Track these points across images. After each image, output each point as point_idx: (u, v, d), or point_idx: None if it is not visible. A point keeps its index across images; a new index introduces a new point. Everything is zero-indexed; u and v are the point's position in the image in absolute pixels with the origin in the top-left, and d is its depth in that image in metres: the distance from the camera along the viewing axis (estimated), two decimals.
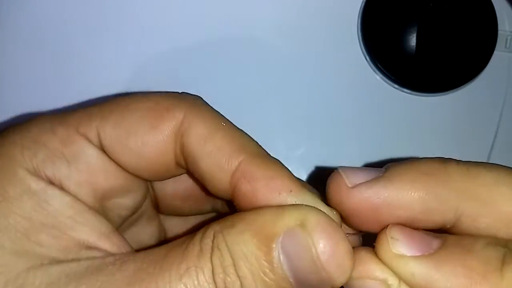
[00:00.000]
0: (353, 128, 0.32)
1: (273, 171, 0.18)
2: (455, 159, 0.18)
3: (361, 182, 0.18)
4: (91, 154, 0.19)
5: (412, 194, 0.17)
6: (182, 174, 0.21)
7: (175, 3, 0.32)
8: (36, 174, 0.17)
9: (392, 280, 0.17)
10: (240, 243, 0.16)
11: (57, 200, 0.17)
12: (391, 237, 0.17)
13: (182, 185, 0.23)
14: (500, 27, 0.31)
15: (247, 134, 0.20)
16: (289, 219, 0.16)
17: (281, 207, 0.17)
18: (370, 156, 0.32)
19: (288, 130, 0.31)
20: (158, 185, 0.23)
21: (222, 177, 0.19)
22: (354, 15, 0.32)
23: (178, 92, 0.20)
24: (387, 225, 0.18)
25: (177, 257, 0.16)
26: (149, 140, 0.19)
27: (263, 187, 0.18)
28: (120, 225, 0.21)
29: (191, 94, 0.20)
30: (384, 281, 0.17)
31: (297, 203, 0.17)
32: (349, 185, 0.18)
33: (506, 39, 0.32)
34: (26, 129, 0.18)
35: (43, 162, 0.18)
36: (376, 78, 0.32)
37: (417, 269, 0.17)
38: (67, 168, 0.18)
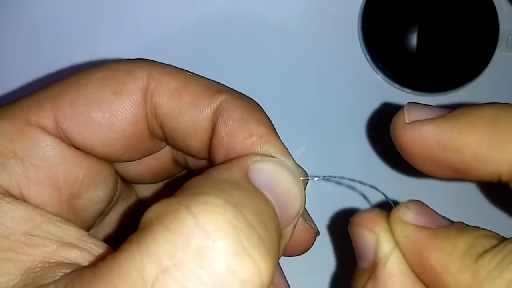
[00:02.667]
0: (353, 127, 0.32)
1: (251, 114, 0.17)
2: None
3: (420, 119, 0.18)
4: (48, 144, 0.16)
5: (465, 137, 0.16)
6: (156, 151, 0.20)
7: (177, 6, 0.32)
8: None
9: (387, 244, 0.18)
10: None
11: (8, 217, 0.15)
12: (405, 206, 0.18)
13: (145, 165, 0.21)
14: (501, 26, 0.31)
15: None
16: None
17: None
18: (370, 155, 0.32)
19: (288, 129, 0.31)
20: (121, 169, 0.21)
21: (201, 124, 0.17)
22: (355, 15, 0.32)
23: (131, 59, 0.18)
24: (444, 168, 0.18)
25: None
26: (116, 109, 0.17)
27: (237, 129, 0.17)
28: (96, 221, 0.20)
29: (145, 59, 0.18)
30: (377, 236, 0.18)
31: (263, 149, 0.17)
32: (407, 121, 0.18)
33: (507, 39, 0.32)
34: None
35: None
36: (377, 78, 0.32)
37: (412, 234, 0.17)
38: (22, 168, 0.16)
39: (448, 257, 0.16)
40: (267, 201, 0.15)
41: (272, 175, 0.16)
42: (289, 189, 0.16)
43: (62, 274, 0.14)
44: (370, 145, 0.32)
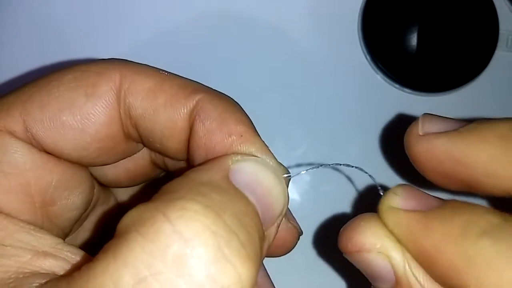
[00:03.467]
0: (353, 127, 0.32)
1: (228, 113, 0.17)
2: None
3: (434, 131, 0.17)
4: (17, 150, 0.16)
5: (478, 153, 0.16)
6: (132, 154, 0.19)
7: (177, 6, 0.32)
8: None
9: (396, 254, 0.16)
10: None
11: None
12: (393, 192, 0.17)
13: (122, 169, 0.20)
14: (501, 26, 0.31)
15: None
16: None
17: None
18: (370, 155, 0.32)
19: (288, 130, 0.31)
20: (97, 173, 0.20)
21: (177, 124, 0.17)
22: (355, 15, 0.32)
23: (103, 59, 0.18)
24: (455, 182, 0.17)
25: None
26: (88, 111, 0.16)
27: (216, 129, 0.16)
28: (73, 227, 0.19)
29: (117, 58, 0.18)
30: (382, 251, 0.16)
31: (243, 148, 0.16)
32: (420, 133, 0.17)
33: (507, 39, 0.32)
34: None
35: None
36: (377, 78, 0.32)
37: (404, 220, 0.16)
38: None
39: (443, 241, 0.15)
40: (248, 202, 0.14)
41: (253, 175, 0.15)
42: (271, 188, 0.15)
43: (37, 284, 0.13)
44: (370, 145, 0.32)
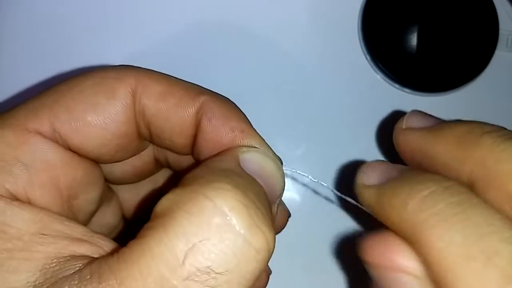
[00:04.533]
0: (353, 127, 0.32)
1: (231, 112, 0.20)
2: (506, 129, 0.18)
3: (413, 126, 0.20)
4: (47, 149, 0.18)
5: (438, 149, 0.18)
6: (141, 151, 0.21)
7: (177, 6, 0.32)
8: None
9: (417, 270, 0.16)
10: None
11: (18, 219, 0.16)
12: (362, 171, 0.20)
13: (129, 165, 0.22)
14: (501, 26, 0.31)
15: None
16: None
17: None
18: (370, 155, 0.32)
19: (288, 130, 0.31)
20: (106, 170, 0.22)
21: (186, 122, 0.19)
22: (355, 15, 0.32)
23: (116, 65, 0.20)
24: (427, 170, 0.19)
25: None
26: (110, 111, 0.19)
27: (220, 125, 0.19)
28: (87, 222, 0.21)
29: (130, 65, 0.20)
30: (417, 280, 0.16)
31: (246, 141, 0.19)
32: (403, 126, 0.21)
33: (507, 39, 0.32)
34: None
35: None
36: (377, 78, 0.32)
37: (370, 197, 0.18)
38: (26, 172, 0.17)
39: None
40: (259, 185, 0.17)
41: (259, 163, 0.18)
42: (273, 174, 0.19)
43: (81, 265, 0.15)
44: (370, 145, 0.32)
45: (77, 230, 0.17)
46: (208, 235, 0.14)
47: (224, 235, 0.14)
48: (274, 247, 0.16)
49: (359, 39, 0.32)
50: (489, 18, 0.31)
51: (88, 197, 0.20)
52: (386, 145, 0.32)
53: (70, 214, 0.19)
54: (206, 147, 0.20)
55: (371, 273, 0.17)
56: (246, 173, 0.18)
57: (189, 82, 0.20)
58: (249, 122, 0.20)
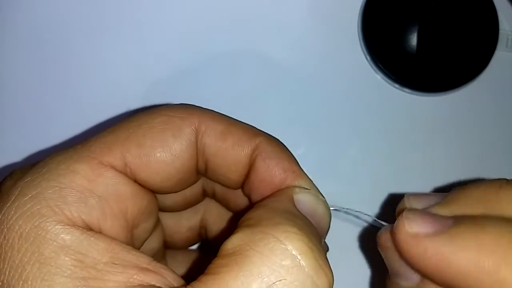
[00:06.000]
0: (353, 128, 0.32)
1: (283, 154, 0.21)
2: None
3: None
4: (119, 182, 0.19)
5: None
6: (194, 183, 0.23)
7: (176, 6, 0.32)
8: (71, 222, 0.17)
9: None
10: None
11: (93, 249, 0.17)
12: (407, 218, 0.20)
13: (181, 195, 0.24)
14: (501, 26, 0.31)
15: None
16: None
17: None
18: (370, 156, 0.32)
19: (288, 130, 0.31)
20: (159, 199, 0.23)
21: (242, 161, 0.21)
22: (355, 15, 0.32)
23: (180, 104, 0.22)
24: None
25: None
26: (176, 149, 0.20)
27: (274, 165, 0.21)
28: (140, 248, 0.22)
29: (193, 105, 0.22)
30: None
31: (297, 182, 0.21)
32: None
33: (507, 39, 0.32)
34: (41, 177, 0.18)
35: (75, 207, 0.17)
36: (377, 78, 0.32)
37: (430, 245, 0.19)
38: (100, 204, 0.18)
39: (479, 254, 0.18)
40: (313, 225, 0.19)
41: (312, 204, 0.20)
42: (324, 216, 0.20)
43: None
44: (370, 145, 0.32)
45: (143, 260, 0.17)
46: (281, 276, 0.15)
47: (295, 277, 0.16)
48: (333, 284, 0.17)
49: (359, 39, 0.32)
50: (489, 18, 0.31)
51: (146, 225, 0.21)
52: (386, 145, 0.32)
53: (131, 243, 0.19)
54: (258, 185, 0.21)
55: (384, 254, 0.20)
56: (303, 214, 0.19)
57: (246, 124, 0.22)
58: (299, 164, 0.21)
